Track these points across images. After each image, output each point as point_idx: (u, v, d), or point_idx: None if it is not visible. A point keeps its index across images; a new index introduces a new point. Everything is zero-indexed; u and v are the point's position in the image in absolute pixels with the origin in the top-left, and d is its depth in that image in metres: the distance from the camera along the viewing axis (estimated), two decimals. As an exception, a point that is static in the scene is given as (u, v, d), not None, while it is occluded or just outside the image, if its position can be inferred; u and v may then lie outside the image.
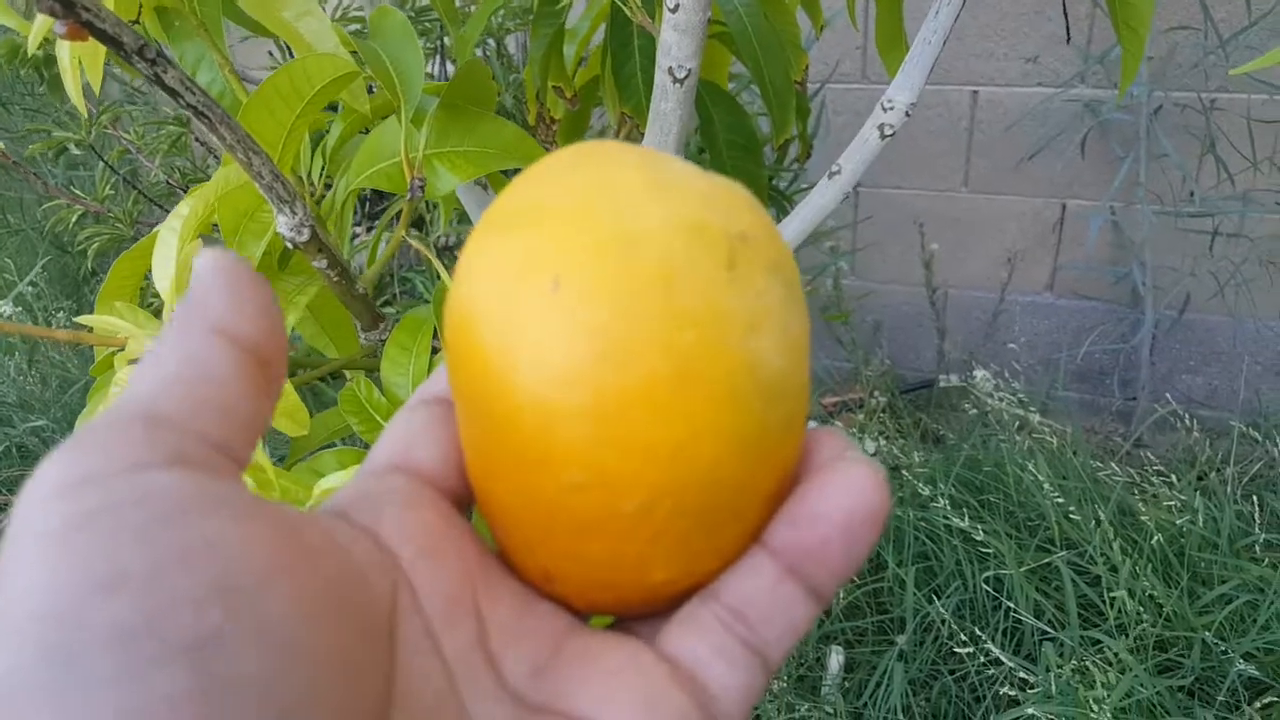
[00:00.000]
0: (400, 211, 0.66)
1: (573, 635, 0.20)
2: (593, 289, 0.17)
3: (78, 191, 1.62)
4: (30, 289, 2.38)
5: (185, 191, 1.64)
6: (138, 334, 0.40)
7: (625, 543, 0.19)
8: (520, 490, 0.19)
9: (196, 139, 1.60)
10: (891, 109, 0.61)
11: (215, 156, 1.69)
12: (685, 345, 0.17)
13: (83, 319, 0.42)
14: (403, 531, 0.20)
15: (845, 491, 0.19)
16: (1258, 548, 1.14)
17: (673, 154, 0.56)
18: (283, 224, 0.40)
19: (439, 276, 0.42)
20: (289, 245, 0.42)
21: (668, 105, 0.52)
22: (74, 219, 1.60)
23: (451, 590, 0.20)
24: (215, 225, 0.52)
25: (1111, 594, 1.06)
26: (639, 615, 0.21)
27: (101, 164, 1.54)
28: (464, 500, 0.22)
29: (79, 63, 0.44)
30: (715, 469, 0.18)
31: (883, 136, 0.62)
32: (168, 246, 0.40)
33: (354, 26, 1.23)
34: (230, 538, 0.15)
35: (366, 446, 0.46)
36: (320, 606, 0.16)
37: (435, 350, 0.46)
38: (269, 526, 0.16)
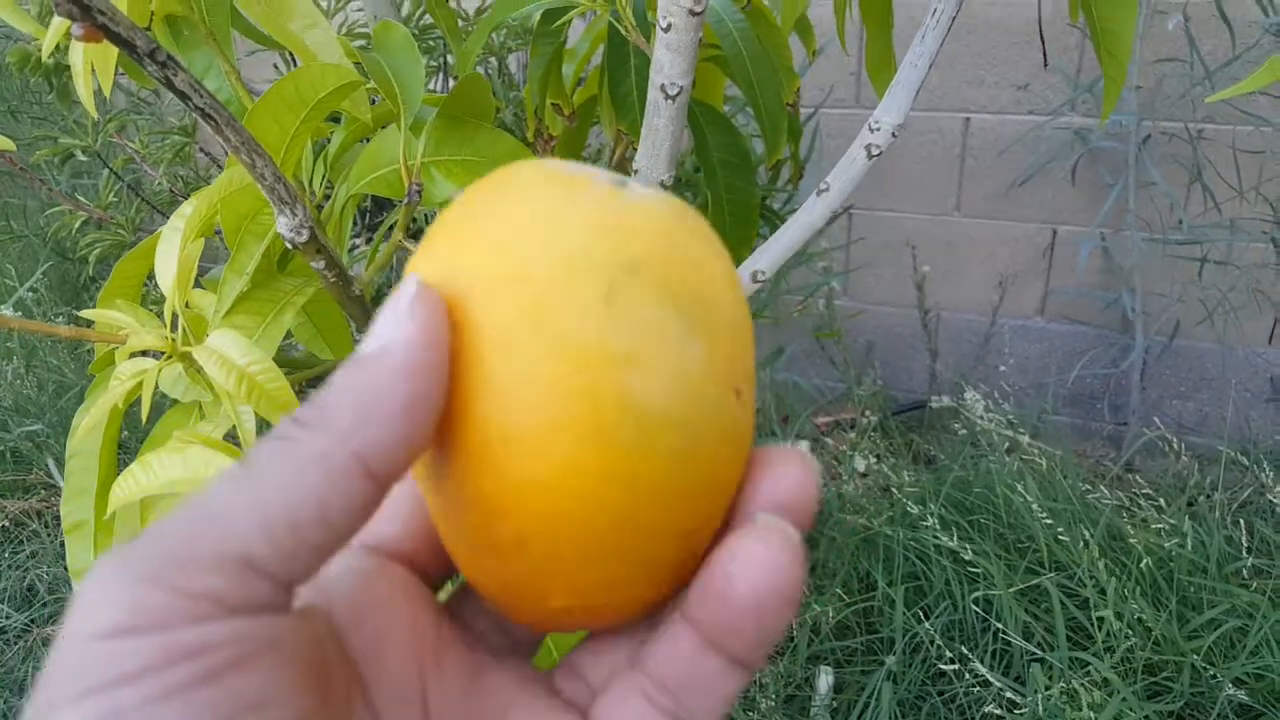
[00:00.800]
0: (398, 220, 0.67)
1: (514, 711, 0.20)
2: (474, 325, 0.18)
3: (81, 199, 1.64)
4: (30, 294, 2.40)
5: (187, 200, 1.66)
6: (139, 329, 0.41)
7: (515, 569, 0.19)
8: (438, 512, 0.20)
9: (200, 149, 1.62)
10: (879, 129, 0.63)
11: (218, 165, 1.71)
12: (553, 380, 0.17)
13: (85, 313, 0.43)
14: (358, 621, 0.20)
15: (756, 570, 0.18)
16: (1245, 573, 1.15)
17: (665, 169, 0.57)
18: (283, 225, 0.41)
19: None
20: (289, 246, 0.43)
21: (660, 121, 0.54)
22: (76, 225, 1.61)
23: (400, 682, 0.20)
24: (218, 229, 0.53)
25: (1099, 614, 1.06)
26: (566, 631, 0.21)
27: (106, 171, 1.55)
28: (427, 565, 0.22)
29: (91, 67, 0.45)
30: (588, 504, 0.18)
31: (870, 156, 0.63)
32: (170, 245, 0.41)
33: (360, 42, 1.25)
34: (275, 697, 0.16)
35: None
36: None
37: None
38: (299, 669, 0.17)
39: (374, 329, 0.18)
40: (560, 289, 0.18)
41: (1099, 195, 1.61)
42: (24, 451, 1.91)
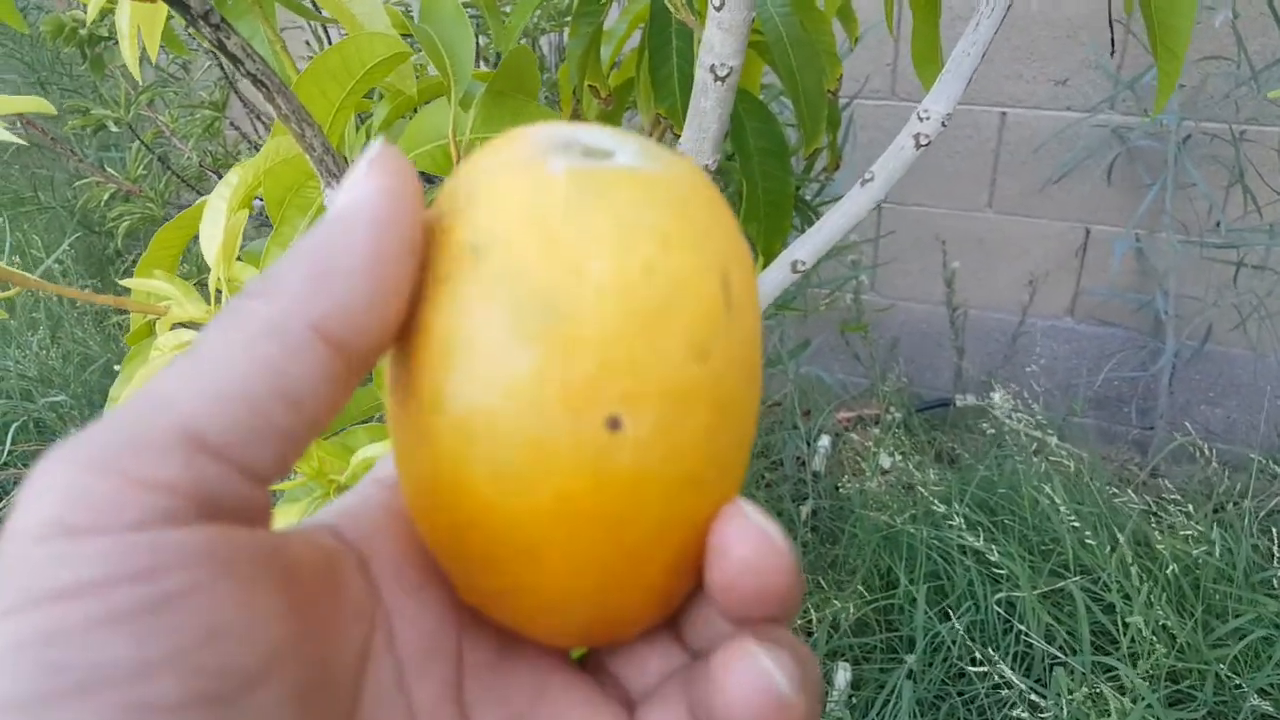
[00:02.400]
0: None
1: (548, 692, 0.19)
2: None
3: (111, 170, 1.64)
4: (57, 265, 2.41)
5: (218, 175, 1.66)
6: (182, 299, 0.40)
7: (498, 586, 0.18)
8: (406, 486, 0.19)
9: (230, 124, 1.61)
10: (927, 119, 0.61)
11: (248, 141, 1.71)
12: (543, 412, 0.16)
13: (126, 282, 0.43)
14: (391, 563, 0.19)
15: (744, 537, 0.17)
16: (1276, 582, 1.13)
17: (711, 152, 0.56)
18: (330, 198, 0.41)
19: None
20: (333, 219, 0.42)
21: (708, 103, 0.53)
22: (105, 197, 1.61)
23: (429, 633, 0.19)
24: (257, 200, 0.53)
25: (1126, 620, 1.05)
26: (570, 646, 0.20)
27: (135, 144, 1.56)
28: None
29: (137, 30, 0.45)
30: (580, 532, 0.17)
31: (918, 146, 0.62)
32: (216, 214, 0.40)
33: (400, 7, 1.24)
34: (231, 625, 0.14)
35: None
36: (309, 694, 0.15)
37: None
38: (273, 595, 0.15)
39: (333, 199, 0.17)
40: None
41: (1135, 195, 1.58)
42: (48, 422, 1.92)
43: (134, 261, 2.44)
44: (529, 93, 0.49)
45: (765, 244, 0.91)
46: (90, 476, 0.13)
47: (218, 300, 0.41)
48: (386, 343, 0.16)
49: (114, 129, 1.40)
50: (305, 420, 0.15)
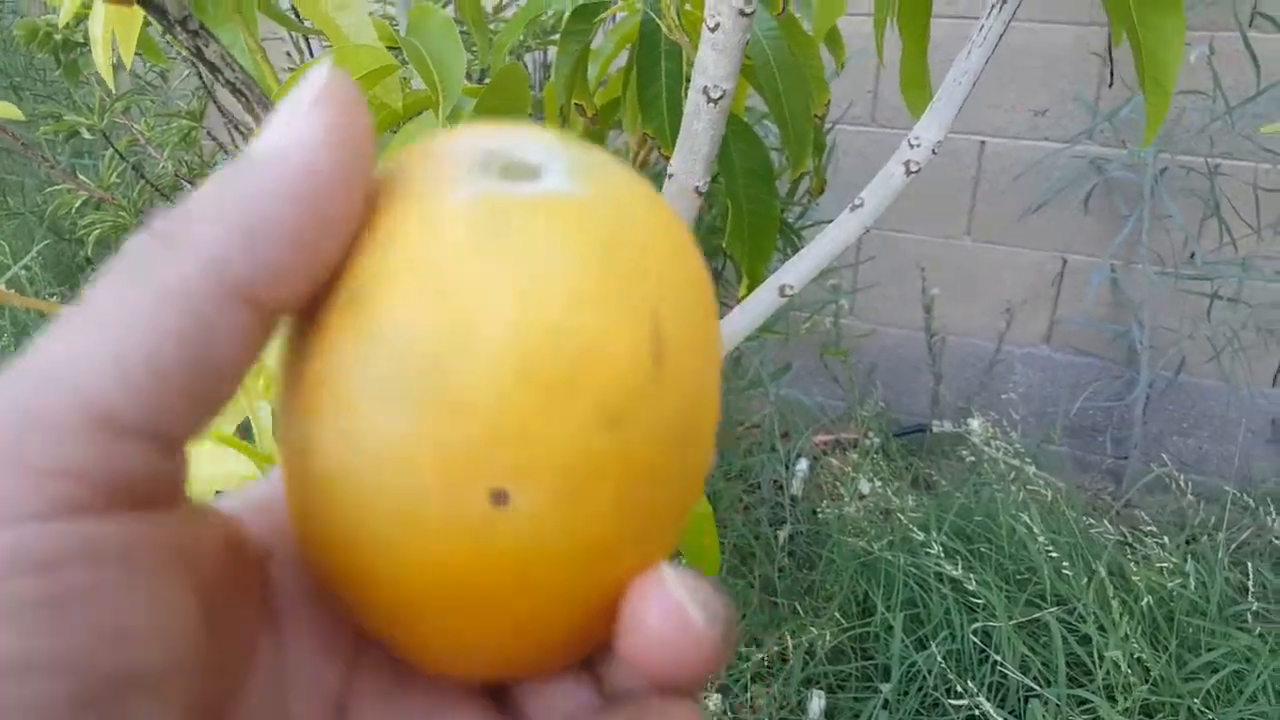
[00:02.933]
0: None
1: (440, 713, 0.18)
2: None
3: (83, 178, 1.61)
4: (24, 273, 2.36)
5: (193, 185, 1.63)
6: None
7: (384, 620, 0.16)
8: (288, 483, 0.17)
9: (208, 133, 1.59)
10: (918, 145, 0.61)
11: (225, 151, 1.68)
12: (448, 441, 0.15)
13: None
14: (290, 565, 0.17)
15: (656, 657, 0.15)
16: (1250, 616, 1.13)
17: (701, 174, 0.55)
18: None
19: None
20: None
21: (699, 125, 0.52)
22: (76, 204, 1.58)
23: (319, 647, 0.17)
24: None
25: (1105, 654, 1.05)
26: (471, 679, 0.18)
27: (109, 151, 1.53)
28: None
29: (111, 36, 0.43)
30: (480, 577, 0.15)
31: (908, 173, 0.62)
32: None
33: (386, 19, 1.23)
34: (136, 627, 0.12)
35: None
36: (198, 701, 0.14)
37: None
38: (180, 595, 0.13)
39: (265, 127, 0.14)
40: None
41: (1111, 225, 1.60)
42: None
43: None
44: (519, 111, 0.48)
45: (750, 266, 0.90)
46: None
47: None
48: (312, 292, 0.14)
49: (87, 136, 1.37)
50: (223, 382, 0.14)
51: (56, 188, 1.67)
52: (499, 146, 0.15)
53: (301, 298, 0.14)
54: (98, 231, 1.50)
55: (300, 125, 0.14)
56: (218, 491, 0.35)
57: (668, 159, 0.81)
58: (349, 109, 0.14)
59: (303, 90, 0.14)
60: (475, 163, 0.15)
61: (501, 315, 0.13)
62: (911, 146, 0.61)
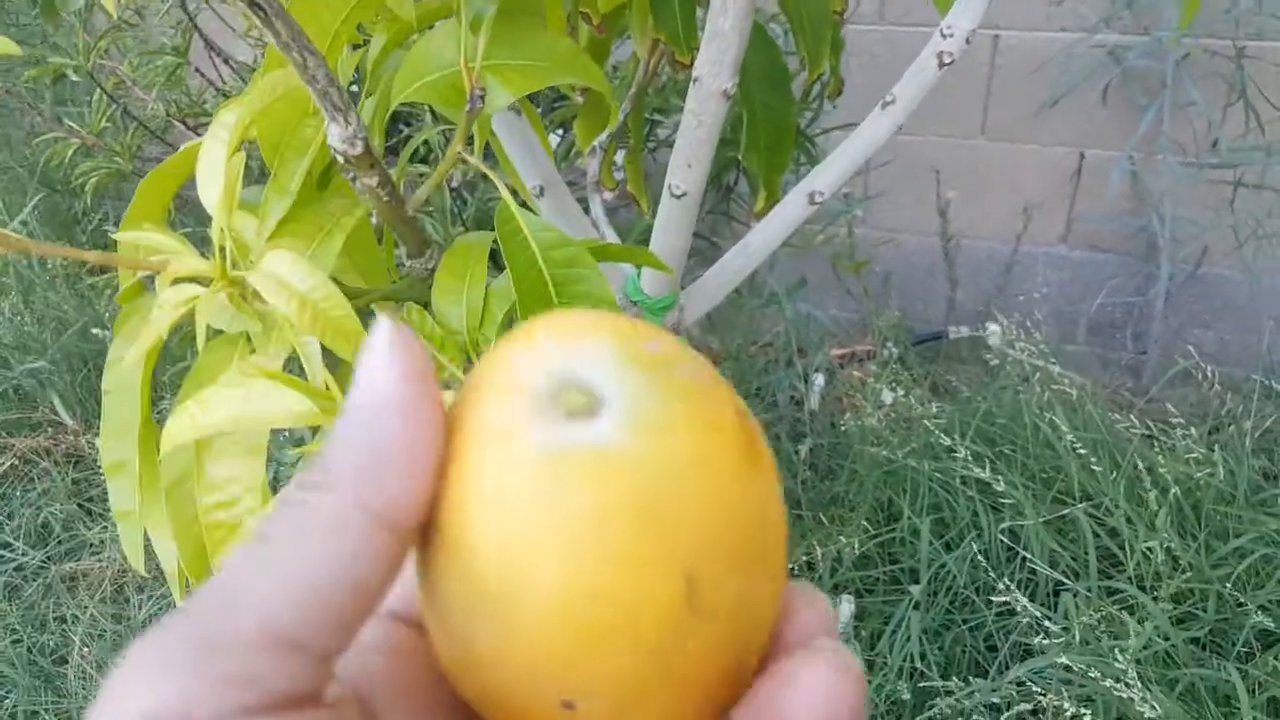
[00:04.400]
0: (416, 149, 0.63)
1: None
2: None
3: (72, 125, 1.57)
4: (21, 228, 2.33)
5: (185, 125, 1.59)
6: (183, 253, 0.37)
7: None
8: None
9: (195, 69, 1.55)
10: (951, 35, 0.58)
11: (214, 87, 1.64)
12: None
13: (120, 235, 0.39)
14: (389, 704, 0.19)
15: (815, 699, 0.17)
16: (1278, 501, 1.14)
17: (729, 76, 0.53)
18: (335, 135, 0.37)
19: (478, 225, 0.40)
20: (339, 160, 0.39)
21: (727, 23, 0.50)
22: (69, 154, 1.55)
23: None
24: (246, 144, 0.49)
25: (1135, 545, 1.05)
26: None
27: (97, 94, 1.49)
28: None
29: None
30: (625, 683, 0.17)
31: (941, 65, 0.59)
32: (214, 157, 0.37)
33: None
34: None
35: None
36: None
37: (490, 280, 0.44)
38: None
39: (356, 378, 0.17)
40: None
41: (1130, 117, 1.55)
42: (28, 389, 1.88)
43: (102, 220, 2.37)
44: (536, 12, 0.46)
45: (766, 176, 0.88)
46: (186, 675, 0.15)
47: (221, 254, 0.38)
48: (426, 512, 0.17)
49: (74, 78, 1.33)
50: (369, 600, 0.17)
51: (45, 137, 1.63)
52: (563, 371, 0.17)
53: (417, 514, 0.17)
54: (94, 180, 1.47)
55: (384, 376, 0.17)
56: (273, 430, 0.34)
57: (683, 65, 0.78)
58: (416, 354, 0.17)
59: (376, 344, 0.17)
60: (546, 399, 0.17)
61: (551, 573, 0.16)
62: (944, 36, 0.58)
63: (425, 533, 0.18)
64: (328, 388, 0.33)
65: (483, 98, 0.40)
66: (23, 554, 1.53)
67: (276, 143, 0.43)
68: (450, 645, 0.18)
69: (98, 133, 1.57)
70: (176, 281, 0.37)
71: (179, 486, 0.39)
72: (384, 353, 0.17)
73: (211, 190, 0.36)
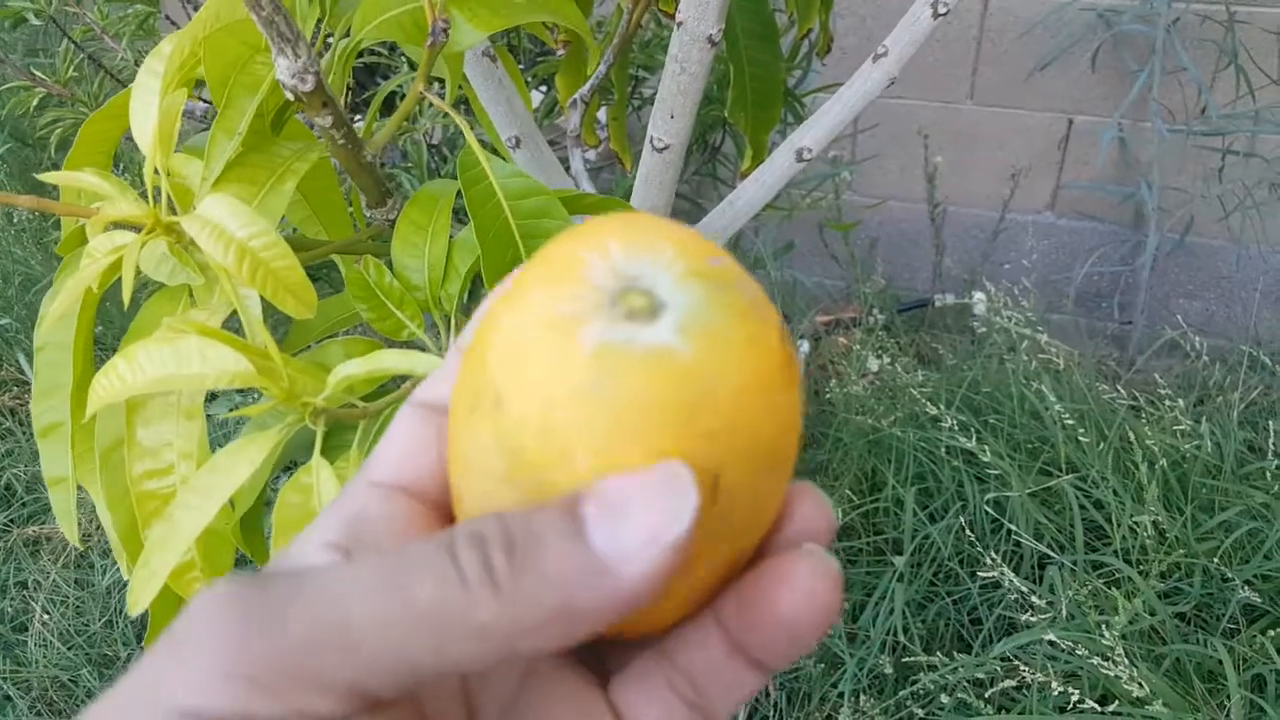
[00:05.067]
0: (391, 96, 0.60)
1: (534, 677, 0.20)
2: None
3: (39, 73, 1.51)
4: (-12, 183, 2.27)
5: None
6: (115, 196, 0.34)
7: None
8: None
9: (166, 17, 1.49)
10: (948, -16, 0.55)
11: (184, 41, 1.58)
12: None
13: (47, 177, 0.36)
14: None
15: (800, 596, 0.18)
16: (1268, 474, 1.12)
17: (715, 21, 0.50)
18: (283, 69, 0.34)
19: (453, 176, 0.37)
20: (290, 97, 0.36)
21: (713, -38, 0.46)
22: (34, 103, 1.49)
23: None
24: (199, 86, 0.46)
25: (1121, 518, 1.04)
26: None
27: (65, 43, 1.43)
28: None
29: None
30: None
31: (935, 15, 0.56)
32: (148, 93, 0.34)
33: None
34: None
35: (378, 335, 0.41)
36: None
37: (455, 230, 0.41)
38: None
39: (620, 520, 0.17)
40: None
41: (1119, 82, 1.53)
42: (-10, 347, 1.83)
43: (71, 175, 2.30)
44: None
45: (753, 134, 0.85)
46: (246, 690, 0.15)
47: (155, 198, 0.34)
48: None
49: (35, 22, 1.28)
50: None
51: (10, 85, 1.57)
52: (634, 277, 0.18)
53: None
54: (59, 130, 1.42)
55: (653, 560, 0.16)
56: (210, 393, 0.31)
57: (668, 14, 0.74)
58: (681, 555, 0.17)
59: (671, 510, 0.17)
60: (608, 300, 0.17)
61: (588, 452, 0.17)
62: (941, -16, 0.55)
63: (467, 395, 0.19)
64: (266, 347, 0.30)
65: (446, 31, 0.37)
66: (-17, 518, 1.50)
67: (224, 80, 0.40)
68: (476, 506, 0.18)
69: (65, 83, 1.52)
70: (110, 227, 0.34)
71: (115, 452, 0.36)
72: (668, 542, 0.17)
73: (145, 129, 0.33)
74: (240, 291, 0.31)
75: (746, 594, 0.19)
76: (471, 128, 0.43)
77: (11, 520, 1.50)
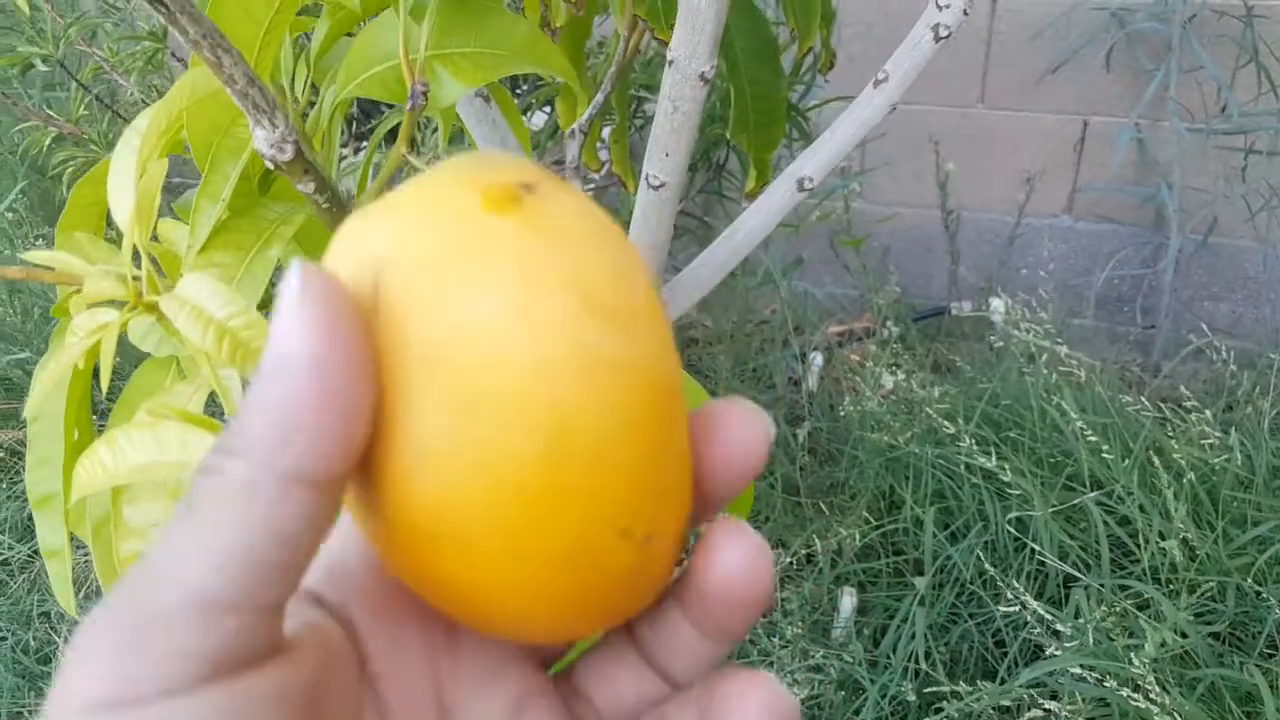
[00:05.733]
0: (393, 129, 0.59)
1: (529, 702, 0.21)
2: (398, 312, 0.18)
3: (52, 113, 1.53)
4: (9, 215, 2.29)
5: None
6: (95, 274, 0.34)
7: (467, 591, 0.19)
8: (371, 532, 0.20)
9: (174, 55, 1.50)
10: (948, 7, 0.54)
11: (192, 74, 1.59)
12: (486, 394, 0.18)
13: (32, 256, 0.36)
14: (371, 618, 0.20)
15: (735, 577, 0.19)
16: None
17: (707, 57, 0.49)
18: (261, 139, 0.33)
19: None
20: (269, 166, 0.35)
21: (702, 0, 0.46)
22: (47, 141, 1.51)
23: (414, 689, 0.20)
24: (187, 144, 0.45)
25: (1148, 536, 1.01)
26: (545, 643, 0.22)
27: (75, 83, 1.45)
28: None
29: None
30: (535, 523, 0.19)
31: (937, 39, 0.55)
32: (124, 168, 0.33)
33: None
34: None
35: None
36: None
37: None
38: None
39: (270, 337, 0.17)
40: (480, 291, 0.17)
41: (1135, 82, 1.50)
42: (14, 379, 1.85)
43: (88, 207, 2.33)
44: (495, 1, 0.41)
45: (757, 155, 0.84)
46: (124, 657, 0.15)
47: (135, 267, 0.34)
48: (357, 460, 0.17)
49: (43, 67, 1.29)
50: (302, 550, 0.17)
51: (28, 124, 1.59)
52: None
53: (343, 463, 0.17)
54: (71, 169, 1.43)
55: (293, 332, 0.16)
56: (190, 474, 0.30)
57: (664, 43, 0.73)
58: (327, 298, 0.16)
59: (284, 298, 0.17)
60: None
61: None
62: (940, 8, 0.54)
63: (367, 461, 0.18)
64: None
65: (425, 93, 0.36)
66: (8, 548, 1.51)
67: (207, 145, 0.39)
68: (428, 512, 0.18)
69: (76, 121, 1.53)
70: (92, 305, 0.34)
71: (105, 526, 0.36)
72: (293, 304, 0.16)
73: (123, 206, 0.33)
74: (220, 372, 0.31)
75: (694, 582, 0.20)
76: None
77: (35, 552, 1.51)
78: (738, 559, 0.19)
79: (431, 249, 0.17)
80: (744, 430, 0.20)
